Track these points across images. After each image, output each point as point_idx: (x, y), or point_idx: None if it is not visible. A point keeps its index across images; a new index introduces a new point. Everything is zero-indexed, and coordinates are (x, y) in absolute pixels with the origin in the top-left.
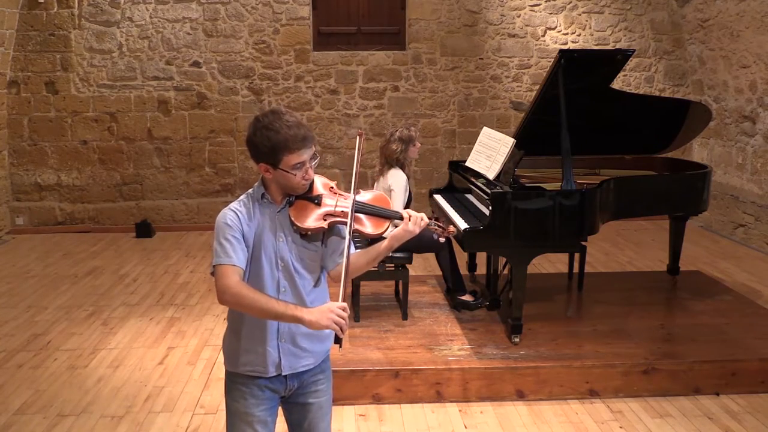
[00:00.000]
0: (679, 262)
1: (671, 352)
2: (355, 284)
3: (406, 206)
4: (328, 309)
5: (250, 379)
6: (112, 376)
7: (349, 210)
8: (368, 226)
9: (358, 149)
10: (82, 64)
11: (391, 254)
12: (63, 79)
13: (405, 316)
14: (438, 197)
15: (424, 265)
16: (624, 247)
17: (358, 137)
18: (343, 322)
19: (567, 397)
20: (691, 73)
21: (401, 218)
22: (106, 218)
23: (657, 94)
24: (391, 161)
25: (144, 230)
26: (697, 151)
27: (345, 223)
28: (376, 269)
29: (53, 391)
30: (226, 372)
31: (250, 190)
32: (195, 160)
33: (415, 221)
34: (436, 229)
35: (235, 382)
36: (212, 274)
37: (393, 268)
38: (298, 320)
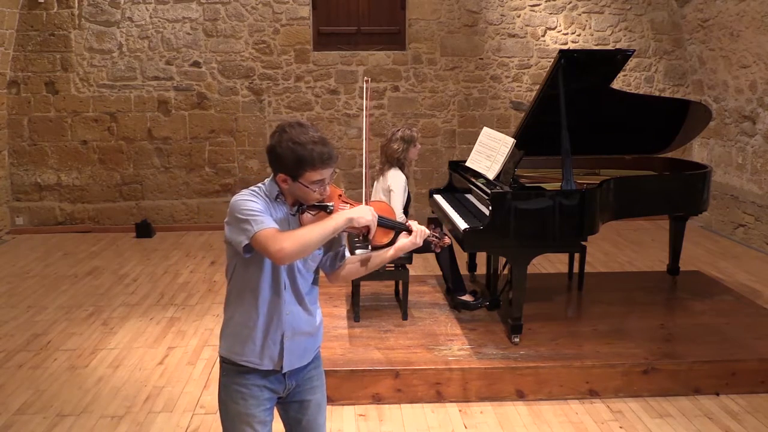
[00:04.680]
0: (679, 262)
1: (671, 352)
2: (355, 284)
3: (405, 206)
4: (365, 208)
5: (248, 378)
6: (112, 376)
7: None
8: (375, 236)
9: (366, 104)
10: (82, 64)
11: None
12: (63, 79)
13: (405, 316)
14: (438, 197)
15: (424, 265)
16: (624, 247)
17: (365, 84)
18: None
19: (567, 397)
20: (691, 73)
21: (407, 230)
22: (106, 218)
23: (657, 94)
24: (391, 160)
25: (144, 230)
26: (697, 151)
27: (353, 232)
28: (376, 269)
29: (53, 391)
30: (223, 368)
31: (263, 186)
32: (195, 160)
33: (420, 234)
34: (433, 240)
35: (234, 382)
36: (245, 249)
37: (393, 268)
38: (348, 220)
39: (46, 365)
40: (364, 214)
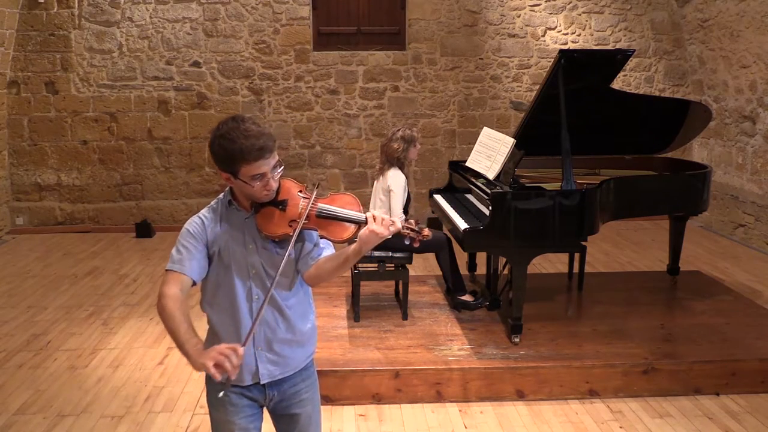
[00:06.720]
0: (679, 262)
1: (671, 352)
2: (355, 284)
3: (405, 206)
4: (213, 349)
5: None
6: (112, 376)
7: (311, 214)
8: (332, 231)
9: (312, 200)
10: (82, 64)
11: (391, 254)
12: (63, 79)
13: (405, 316)
14: (438, 197)
15: (424, 265)
16: (624, 247)
17: (315, 188)
18: (226, 363)
19: (567, 397)
20: (691, 73)
21: (364, 222)
22: (106, 218)
23: (657, 94)
24: (391, 160)
25: (144, 230)
26: (697, 151)
27: (311, 228)
28: (375, 269)
29: (53, 391)
30: (206, 377)
31: (221, 195)
32: (195, 160)
33: (381, 222)
34: (408, 234)
35: (214, 390)
36: None
37: (393, 268)
38: (186, 357)
39: (46, 365)
40: (198, 358)
